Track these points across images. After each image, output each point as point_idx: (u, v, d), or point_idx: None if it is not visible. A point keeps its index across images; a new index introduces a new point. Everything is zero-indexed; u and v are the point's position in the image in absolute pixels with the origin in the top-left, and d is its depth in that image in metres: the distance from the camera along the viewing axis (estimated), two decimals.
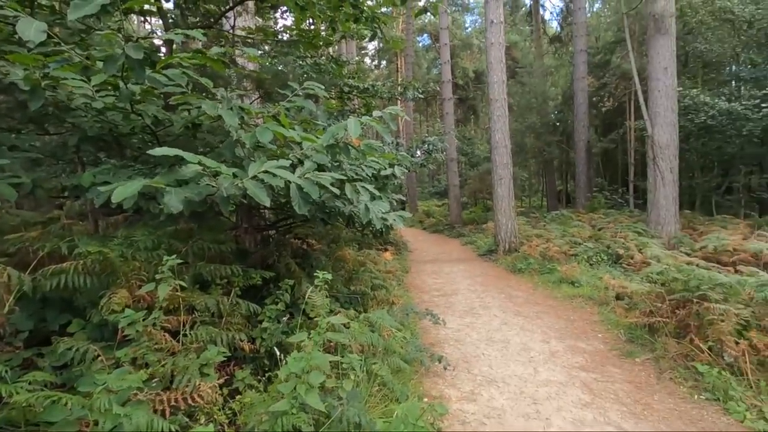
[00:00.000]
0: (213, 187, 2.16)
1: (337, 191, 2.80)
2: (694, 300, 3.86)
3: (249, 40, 5.04)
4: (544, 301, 6.05)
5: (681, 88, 9.92)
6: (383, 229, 3.91)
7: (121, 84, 2.43)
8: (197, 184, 2.15)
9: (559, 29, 26.02)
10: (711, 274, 4.04)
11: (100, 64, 2.24)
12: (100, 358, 1.94)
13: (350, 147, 3.07)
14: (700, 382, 3.27)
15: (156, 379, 1.91)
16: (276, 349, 2.48)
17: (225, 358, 2.23)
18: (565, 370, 3.73)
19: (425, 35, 34.82)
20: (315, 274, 2.80)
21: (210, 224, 4.09)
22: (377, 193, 3.34)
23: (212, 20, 4.42)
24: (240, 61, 5.41)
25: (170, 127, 3.11)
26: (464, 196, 22.33)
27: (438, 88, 19.33)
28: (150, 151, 1.92)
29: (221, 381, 2.10)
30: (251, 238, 4.28)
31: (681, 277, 4.21)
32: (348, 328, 3.11)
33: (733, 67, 12.11)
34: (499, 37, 9.76)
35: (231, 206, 2.99)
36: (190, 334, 2.27)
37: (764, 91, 9.65)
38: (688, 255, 6.79)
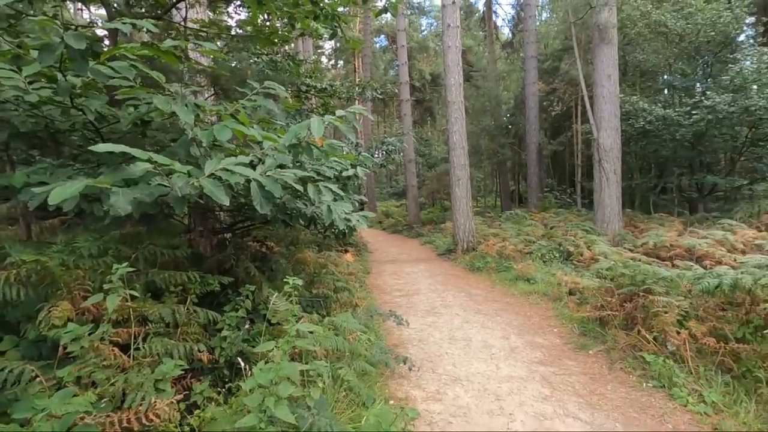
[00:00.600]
0: (166, 186, 2.01)
1: (301, 188, 2.72)
2: (640, 293, 4.11)
3: (202, 34, 4.79)
4: (502, 299, 6.23)
5: (622, 95, 10.59)
6: (346, 231, 3.85)
7: (59, 76, 2.21)
8: (148, 184, 1.99)
9: (510, 36, 27.04)
10: (654, 269, 4.32)
11: (34, 54, 2.02)
12: (38, 379, 1.73)
13: (313, 147, 2.99)
14: (648, 371, 3.48)
15: (105, 400, 1.74)
16: (239, 359, 2.35)
17: (182, 371, 2.08)
18: (525, 365, 3.84)
19: (382, 36, 35.00)
20: (285, 279, 2.68)
21: (160, 227, 3.85)
22: (341, 193, 3.29)
23: (161, 11, 4.15)
24: (193, 55, 5.14)
25: (116, 124, 2.88)
26: (422, 197, 22.64)
27: (396, 90, 19.46)
28: (92, 148, 1.75)
29: (179, 396, 1.95)
30: (207, 242, 4.07)
31: (628, 273, 4.47)
32: (312, 333, 3.03)
33: (667, 77, 13.11)
34: (455, 40, 9.98)
35: (186, 207, 2.82)
36: (143, 347, 2.10)
37: (694, 100, 10.52)
38: (632, 251, 7.26)
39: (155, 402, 1.76)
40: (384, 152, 11.94)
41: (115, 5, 4.70)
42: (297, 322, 3.15)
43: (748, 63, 10.42)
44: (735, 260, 5.40)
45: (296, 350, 2.59)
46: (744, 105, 9.48)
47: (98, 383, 1.78)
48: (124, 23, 1.98)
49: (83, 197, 2.10)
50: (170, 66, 3.58)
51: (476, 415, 3.00)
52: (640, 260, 5.70)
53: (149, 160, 1.83)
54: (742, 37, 11.86)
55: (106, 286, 1.93)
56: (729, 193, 12.60)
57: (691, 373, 3.28)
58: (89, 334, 1.84)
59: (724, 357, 3.27)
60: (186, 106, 2.32)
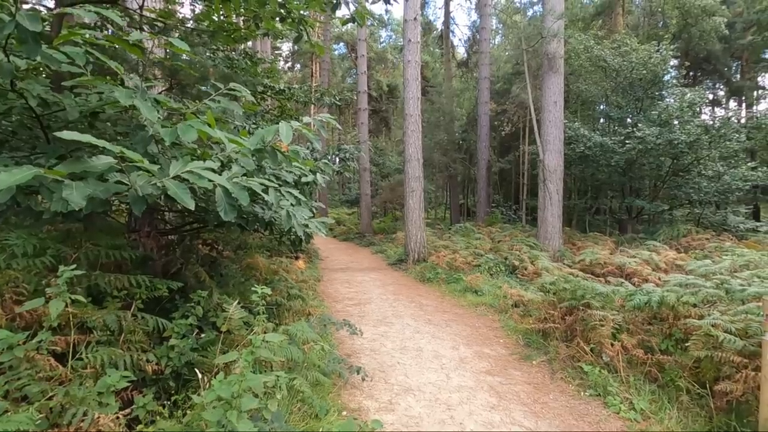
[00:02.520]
0: (124, 184, 1.89)
1: (265, 196, 2.65)
2: (580, 307, 4.41)
3: (158, 24, 4.54)
4: (451, 309, 6.40)
5: (566, 121, 11.39)
6: (303, 237, 3.79)
7: (1, 55, 2.01)
8: (104, 180, 1.85)
9: (466, 56, 28.13)
10: (592, 285, 4.65)
11: None
12: None
13: (278, 152, 2.93)
14: (585, 380, 3.72)
15: (41, 416, 1.57)
16: (197, 370, 2.22)
17: (128, 383, 1.93)
18: (473, 375, 3.97)
19: (341, 44, 35.02)
20: (254, 287, 2.58)
21: (99, 225, 3.58)
22: (303, 198, 3.25)
23: None
24: (147, 45, 4.85)
25: (61, 112, 2.65)
26: (375, 206, 22.77)
27: (353, 98, 19.54)
28: (58, 134, 1.60)
29: (125, 412, 1.80)
30: (153, 243, 3.83)
31: (569, 287, 4.78)
32: (269, 342, 2.94)
33: (604, 107, 14.29)
34: (415, 55, 10.24)
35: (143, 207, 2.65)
36: (86, 357, 1.93)
37: (627, 130, 11.54)
38: (570, 267, 7.75)
39: (98, 417, 1.62)
40: (341, 159, 11.91)
41: None
42: (251, 331, 3.05)
43: (671, 101, 11.63)
44: (659, 279, 5.96)
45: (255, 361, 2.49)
46: (668, 138, 10.54)
47: (31, 397, 1.61)
48: (89, 11, 1.84)
49: (20, 189, 1.91)
50: (123, 55, 3.38)
51: (428, 425, 3.05)
52: (578, 276, 6.11)
53: (120, 155, 1.71)
54: (667, 77, 13.22)
55: (50, 290, 1.75)
56: (653, 216, 13.88)
57: (623, 382, 3.56)
58: (24, 343, 1.66)
59: (651, 367, 3.58)
60: (146, 100, 2.19)
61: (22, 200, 2.20)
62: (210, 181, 1.95)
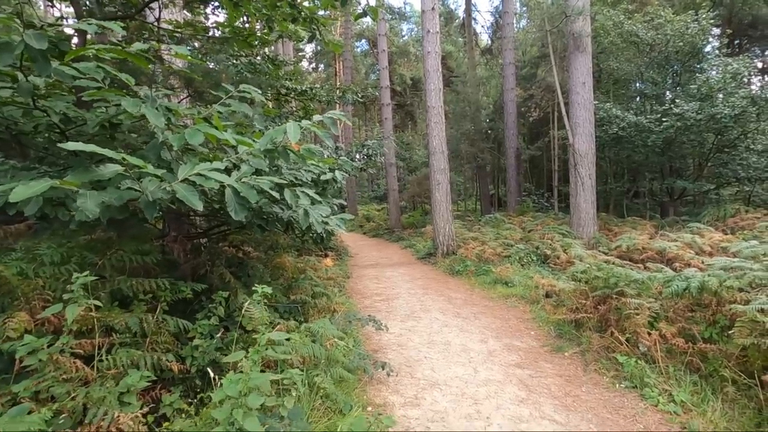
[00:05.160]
0: (136, 190, 1.95)
1: (276, 195, 2.68)
2: (613, 296, 4.21)
3: (176, 35, 4.69)
4: (481, 302, 6.28)
5: (597, 102, 10.89)
6: (324, 235, 3.82)
7: (20, 76, 2.12)
8: (117, 188, 1.92)
9: (490, 42, 27.48)
10: (626, 272, 4.43)
11: None
12: None
13: (289, 151, 2.95)
14: (621, 372, 3.55)
15: (64, 416, 1.66)
16: (209, 369, 2.28)
17: (148, 383, 2.00)
18: (502, 368, 3.87)
19: (363, 41, 35.06)
20: (254, 287, 2.63)
21: (132, 233, 3.73)
22: (317, 197, 3.26)
23: (133, 11, 4.05)
24: (167, 56, 5.03)
25: (83, 126, 2.78)
26: (403, 201, 22.72)
27: (376, 94, 19.54)
28: (61, 145, 1.67)
29: (145, 410, 1.88)
30: (181, 248, 3.96)
31: (601, 275, 4.57)
32: (289, 340, 2.98)
33: (639, 85, 13.55)
34: (435, 46, 10.07)
35: (157, 212, 2.75)
36: (107, 358, 2.02)
37: (664, 107, 10.89)
38: (606, 254, 7.43)
39: (119, 416, 1.69)
40: (364, 155, 11.93)
41: (87, 3, 4.56)
42: (273, 329, 3.10)
43: (713, 73, 10.86)
44: (703, 262, 5.60)
45: (271, 359, 2.54)
46: (710, 113, 9.87)
47: (57, 398, 1.70)
48: (90, 24, 1.91)
49: (47, 201, 2.01)
50: (142, 68, 3.50)
51: (454, 420, 3.00)
52: (613, 263, 5.84)
53: (122, 161, 1.77)
54: (708, 48, 12.37)
55: (66, 296, 1.84)
56: (697, 197, 13.09)
57: (662, 373, 3.37)
58: (48, 346, 1.75)
59: (693, 357, 3.37)
60: (157, 109, 2.25)
61: (50, 211, 2.32)
62: (217, 181, 1.98)
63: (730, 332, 3.23)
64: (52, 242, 2.49)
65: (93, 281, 2.08)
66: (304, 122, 2.78)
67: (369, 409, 3.12)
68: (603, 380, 3.54)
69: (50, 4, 4.98)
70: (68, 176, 1.77)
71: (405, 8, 36.16)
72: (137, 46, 2.03)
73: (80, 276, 1.89)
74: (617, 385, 3.42)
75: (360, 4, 4.73)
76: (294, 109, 9.84)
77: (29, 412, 1.47)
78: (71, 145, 1.58)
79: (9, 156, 3.12)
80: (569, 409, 3.11)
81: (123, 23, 2.26)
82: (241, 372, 1.68)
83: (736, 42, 17.19)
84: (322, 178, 4.04)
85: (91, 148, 1.58)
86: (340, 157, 5.86)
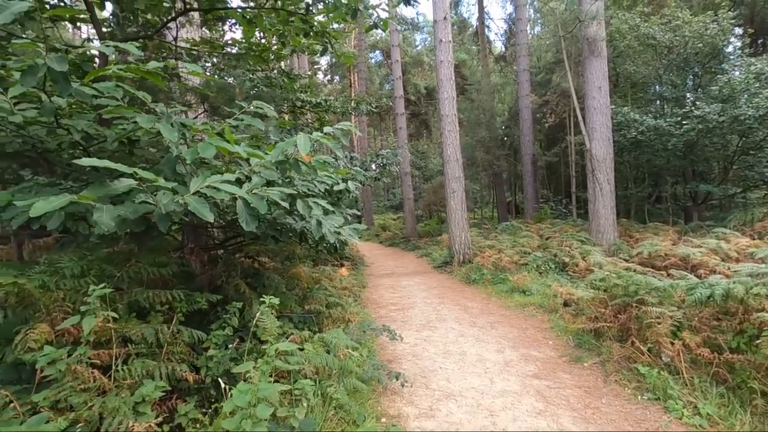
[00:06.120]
0: (150, 204, 2.01)
1: (287, 206, 2.72)
2: (633, 304, 4.09)
3: (193, 53, 4.85)
4: (497, 311, 6.19)
5: (614, 106, 10.71)
6: (337, 245, 3.84)
7: (44, 97, 2.23)
8: (132, 201, 1.99)
9: (503, 49, 27.44)
10: (647, 279, 4.30)
11: (17, 75, 2.03)
12: (12, 405, 1.69)
13: (301, 163, 3.00)
14: (642, 383, 3.44)
15: (80, 425, 1.70)
16: (220, 380, 2.31)
17: (163, 393, 2.04)
18: (519, 379, 3.80)
19: (377, 52, 35.47)
20: (261, 298, 2.66)
21: (152, 245, 3.83)
22: (330, 207, 3.29)
23: (152, 31, 4.21)
24: (185, 74, 5.19)
25: (104, 143, 2.89)
26: (419, 209, 22.68)
27: (391, 104, 19.68)
28: (75, 161, 1.75)
29: (160, 419, 1.91)
30: (197, 259, 4.05)
31: (621, 283, 4.45)
32: (302, 350, 2.99)
33: (657, 88, 13.27)
34: (448, 55, 10.11)
35: (173, 225, 2.81)
36: (123, 369, 2.07)
37: (684, 110, 10.62)
38: (627, 261, 7.23)
39: (133, 425, 1.72)
40: (379, 165, 11.97)
41: (111, 25, 4.76)
42: (286, 339, 3.12)
43: (736, 73, 10.56)
44: (729, 269, 5.39)
45: (282, 370, 2.55)
46: (733, 114, 9.58)
47: (75, 407, 1.75)
48: (108, 46, 1.99)
49: (68, 215, 2.09)
50: (160, 86, 3.63)
51: None
52: (634, 270, 5.67)
53: (134, 176, 1.83)
54: (729, 48, 12.05)
55: (82, 308, 1.90)
56: (723, 201, 12.65)
57: (686, 384, 3.24)
58: (68, 356, 1.81)
59: (719, 368, 3.24)
60: (172, 125, 2.33)
61: (71, 225, 2.41)
62: (228, 193, 2.03)
63: (758, 342, 3.10)
64: (74, 255, 2.58)
65: (111, 293, 2.14)
66: (315, 134, 2.83)
67: (383, 420, 3.10)
68: (624, 392, 3.43)
69: (74, 26, 5.21)
70: (85, 191, 1.83)
71: (418, 18, 36.51)
72: (153, 64, 2.10)
73: (97, 288, 1.96)
74: (639, 397, 3.30)
75: (371, 16, 4.80)
76: (309, 120, 10.00)
77: (47, 422, 1.51)
78: (86, 161, 1.64)
79: (37, 173, 3.26)
80: (589, 422, 3.02)
81: (142, 43, 2.35)
82: (251, 383, 1.70)
83: (760, 41, 16.70)
84: (336, 188, 4.08)
85: (104, 163, 1.64)
86: (354, 167, 5.90)
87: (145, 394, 1.89)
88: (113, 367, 2.06)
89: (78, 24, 5.10)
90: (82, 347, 1.88)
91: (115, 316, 2.03)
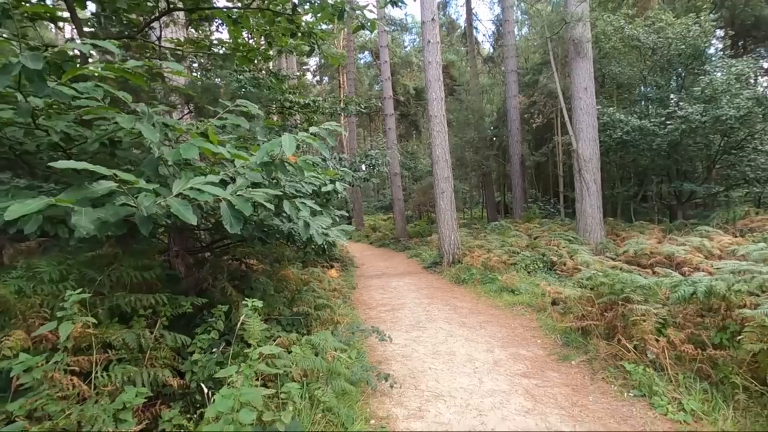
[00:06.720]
0: (131, 206, 1.97)
1: (273, 207, 2.68)
2: (620, 302, 4.14)
3: (178, 53, 4.78)
4: (486, 311, 6.21)
5: (600, 107, 10.85)
6: (325, 246, 3.81)
7: (19, 96, 2.17)
8: (113, 204, 1.94)
9: (492, 50, 27.64)
10: (632, 277, 4.35)
11: None
12: None
13: (287, 164, 2.97)
14: (629, 380, 3.47)
15: None
16: (203, 385, 2.27)
17: (146, 399, 1.99)
18: (507, 378, 3.81)
19: (366, 52, 35.44)
20: (243, 301, 2.62)
21: (137, 248, 3.76)
22: (318, 208, 3.26)
23: (135, 31, 4.13)
24: (168, 74, 5.12)
25: (84, 144, 2.83)
26: (409, 210, 22.71)
27: (380, 105, 19.67)
28: (53, 164, 1.70)
29: (141, 426, 1.87)
30: (183, 262, 3.98)
31: (607, 281, 4.50)
32: (290, 353, 2.96)
33: (642, 89, 13.48)
34: (436, 56, 10.14)
35: (160, 227, 2.75)
36: (103, 375, 2.02)
37: (668, 110, 10.82)
38: (613, 259, 7.32)
39: None
40: (368, 166, 11.95)
41: (93, 25, 4.67)
42: (273, 342, 3.09)
43: (718, 75, 10.78)
44: (711, 266, 5.49)
45: (268, 373, 2.52)
46: (715, 115, 9.78)
47: (53, 416, 1.70)
48: (85, 44, 1.95)
49: (47, 219, 2.03)
50: (142, 86, 3.56)
51: None
52: (621, 268, 5.74)
53: (113, 177, 1.79)
54: (711, 50, 12.30)
55: (59, 313, 1.85)
56: (707, 199, 12.90)
57: (671, 380, 3.28)
58: (45, 364, 1.75)
59: (703, 364, 3.28)
60: (153, 125, 2.28)
61: (50, 229, 2.35)
62: (212, 195, 1.99)
63: (740, 338, 3.15)
64: (53, 259, 2.52)
65: (91, 297, 2.09)
66: (301, 134, 2.80)
67: (372, 422, 3.08)
68: (611, 389, 3.46)
69: (57, 27, 5.11)
70: (64, 194, 1.79)
71: (406, 19, 36.55)
72: (131, 63, 2.06)
73: (73, 294, 1.90)
74: (625, 394, 3.34)
75: (358, 17, 4.78)
76: (298, 122, 9.95)
77: (22, 431, 1.47)
78: (62, 164, 1.60)
79: (18, 175, 3.18)
80: (576, 420, 3.04)
81: (124, 43, 2.31)
82: (233, 387, 1.67)
83: (740, 43, 17.09)
84: (323, 189, 4.05)
85: (82, 165, 1.60)
86: (342, 168, 5.88)
87: (126, 401, 1.84)
88: (93, 374, 2.01)
89: (61, 24, 4.99)
90: (59, 354, 1.83)
91: (95, 321, 1.98)
